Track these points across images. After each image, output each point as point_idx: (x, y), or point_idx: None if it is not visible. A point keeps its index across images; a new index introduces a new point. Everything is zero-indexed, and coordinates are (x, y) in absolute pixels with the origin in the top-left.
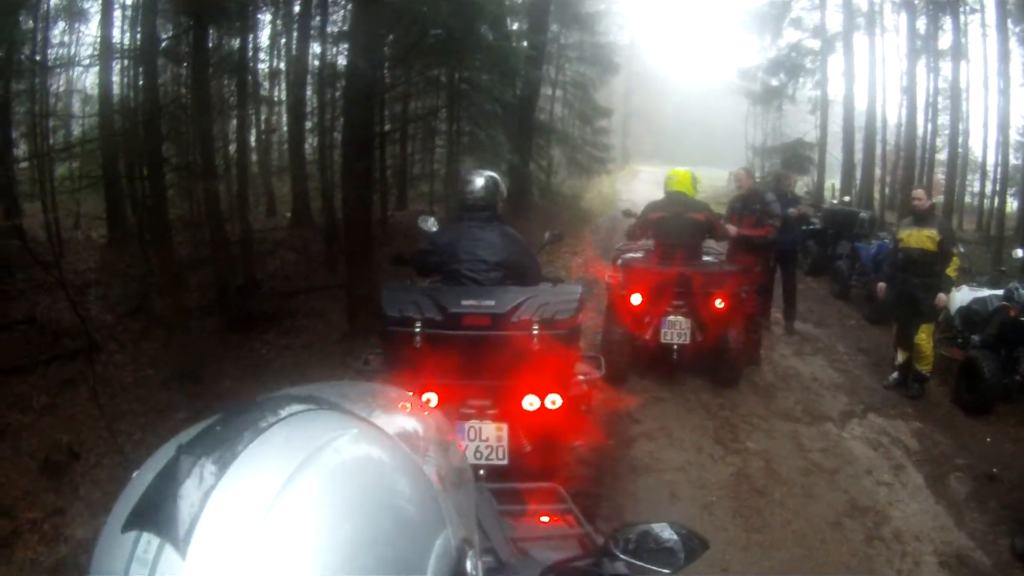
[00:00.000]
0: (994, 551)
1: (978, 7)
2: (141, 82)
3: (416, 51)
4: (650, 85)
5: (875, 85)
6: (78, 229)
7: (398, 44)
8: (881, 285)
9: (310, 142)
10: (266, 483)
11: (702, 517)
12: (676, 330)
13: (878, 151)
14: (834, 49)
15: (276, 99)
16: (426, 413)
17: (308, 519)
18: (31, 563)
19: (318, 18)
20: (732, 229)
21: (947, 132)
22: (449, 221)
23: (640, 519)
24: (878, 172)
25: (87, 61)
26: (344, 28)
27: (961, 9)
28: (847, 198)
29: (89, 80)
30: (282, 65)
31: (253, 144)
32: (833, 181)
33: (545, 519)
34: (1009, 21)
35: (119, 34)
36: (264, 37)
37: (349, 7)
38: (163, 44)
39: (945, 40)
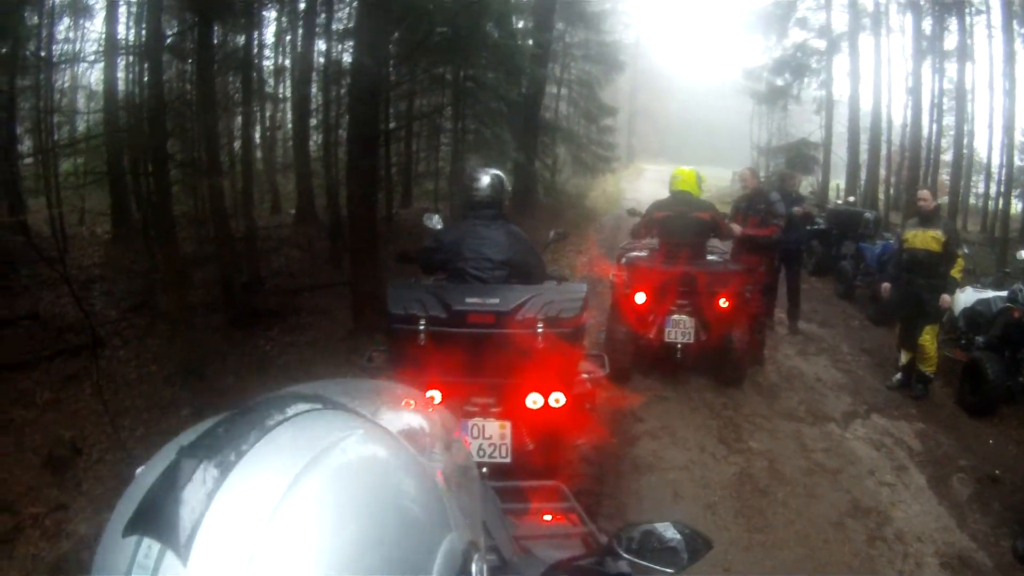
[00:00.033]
0: (996, 553)
1: (984, 8)
2: (146, 78)
3: (422, 49)
4: (655, 84)
5: (880, 86)
6: (82, 225)
7: (404, 42)
8: (885, 285)
9: (315, 139)
10: (270, 486)
11: (705, 516)
12: (680, 329)
13: (883, 151)
14: (839, 49)
15: (281, 96)
16: (431, 410)
17: (313, 523)
18: (33, 559)
19: (323, 15)
20: (736, 228)
21: (952, 133)
22: (453, 219)
23: (643, 518)
24: (883, 172)
25: (92, 57)
26: (349, 25)
27: (967, 10)
28: (852, 198)
29: (94, 76)
30: (287, 62)
31: (258, 141)
32: (838, 181)
33: (548, 517)
34: (1015, 22)
35: (124, 30)
36: (269, 34)
37: (355, 4)
38: (168, 40)
39: (951, 41)
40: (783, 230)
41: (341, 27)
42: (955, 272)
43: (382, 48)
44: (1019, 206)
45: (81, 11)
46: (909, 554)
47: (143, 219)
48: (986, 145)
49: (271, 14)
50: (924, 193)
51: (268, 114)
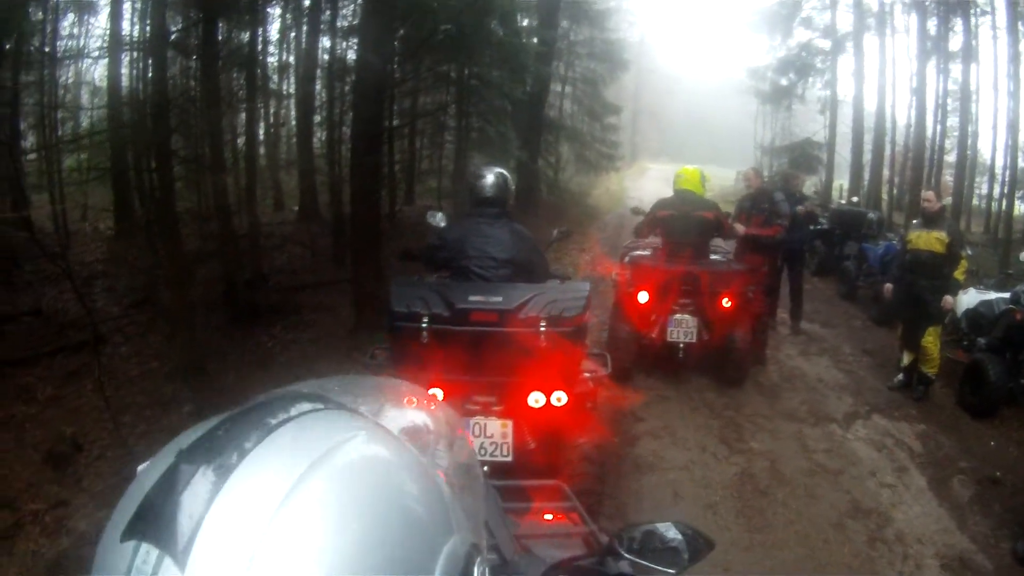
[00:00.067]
0: (996, 555)
1: (989, 9)
2: (150, 75)
3: (426, 46)
4: (659, 83)
5: (885, 86)
6: (85, 221)
7: (408, 39)
8: (888, 286)
9: (318, 136)
10: (270, 490)
11: (705, 516)
12: (682, 329)
13: (887, 152)
14: (844, 49)
15: (285, 93)
16: (434, 408)
17: (313, 528)
18: (33, 555)
19: (328, 12)
20: (740, 228)
21: (956, 134)
22: (457, 217)
23: (643, 518)
24: (886, 173)
25: (96, 53)
26: (354, 23)
27: (972, 11)
28: (855, 198)
29: (98, 72)
30: (291, 59)
31: (261, 138)
32: (841, 182)
33: (549, 517)
34: (1020, 23)
35: (128, 27)
36: (274, 31)
37: (359, 1)
38: (173, 37)
39: (956, 42)
40: (786, 229)
41: (346, 24)
42: (958, 274)
43: (386, 45)
44: (1022, 208)
45: (85, 7)
46: (909, 555)
47: (146, 215)
48: (990, 146)
49: (276, 11)
50: (928, 194)
51: (272, 111)
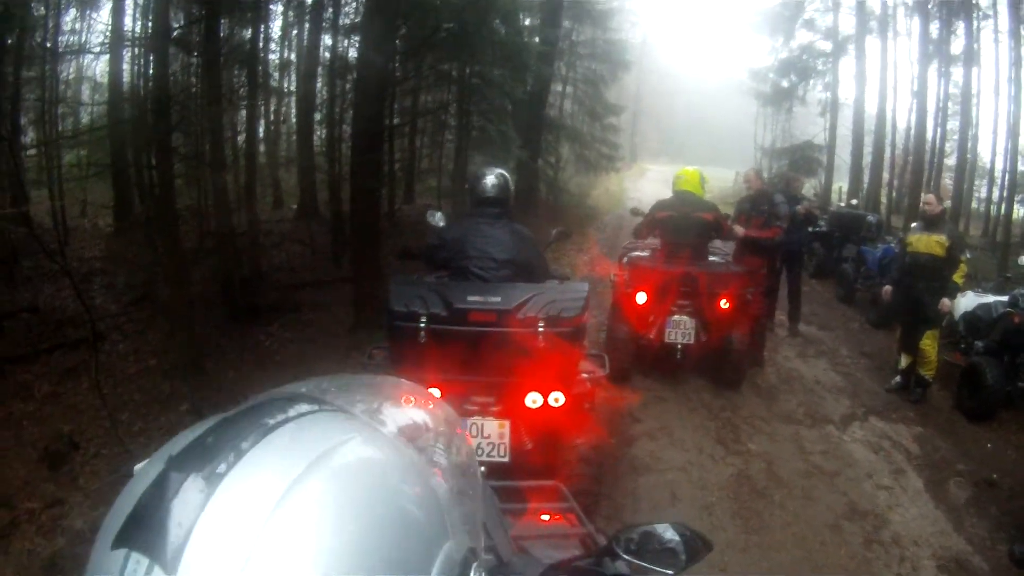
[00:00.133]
0: (992, 557)
1: (991, 13)
2: (151, 71)
3: (428, 45)
4: (661, 83)
5: (886, 89)
6: (85, 217)
7: (410, 37)
8: (887, 288)
9: (319, 134)
10: (263, 494)
11: (702, 518)
12: (680, 330)
13: (887, 155)
14: (846, 52)
15: (286, 91)
16: (433, 406)
17: (307, 531)
18: (28, 554)
19: (330, 10)
20: (739, 230)
21: (956, 137)
22: (456, 216)
23: (640, 519)
24: (886, 176)
25: (98, 49)
26: (356, 20)
27: (974, 14)
28: (854, 201)
29: (99, 68)
30: (293, 57)
31: (262, 135)
32: (841, 184)
33: (546, 518)
34: (1022, 28)
35: (130, 22)
36: (276, 28)
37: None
38: (175, 33)
39: (957, 45)
40: (785, 231)
41: (348, 22)
42: (957, 277)
43: (388, 43)
44: (1021, 211)
45: (88, 2)
46: (906, 557)
47: (146, 212)
48: (990, 150)
49: (278, 8)
50: (929, 198)
51: (272, 108)
